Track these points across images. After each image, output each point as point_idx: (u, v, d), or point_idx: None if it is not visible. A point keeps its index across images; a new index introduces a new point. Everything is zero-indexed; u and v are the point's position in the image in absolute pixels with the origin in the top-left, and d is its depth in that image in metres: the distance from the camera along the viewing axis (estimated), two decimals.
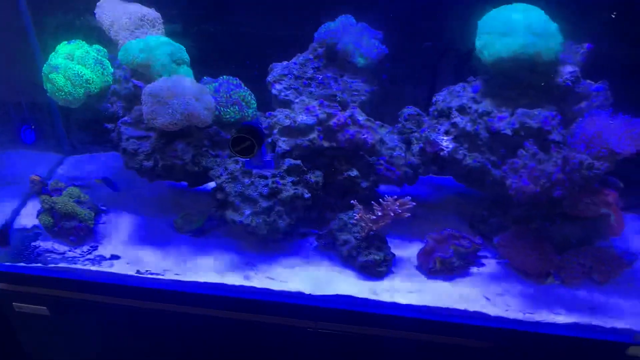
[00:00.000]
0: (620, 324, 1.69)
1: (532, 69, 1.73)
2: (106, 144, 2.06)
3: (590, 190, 1.78)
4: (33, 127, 2.23)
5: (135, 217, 2.12)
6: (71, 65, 1.91)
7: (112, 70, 2.03)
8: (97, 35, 2.05)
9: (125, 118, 1.97)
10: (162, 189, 2.22)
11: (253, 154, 1.52)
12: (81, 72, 1.91)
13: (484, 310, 1.73)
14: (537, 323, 1.71)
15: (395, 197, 1.86)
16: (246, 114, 1.90)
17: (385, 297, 1.78)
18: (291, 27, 2.19)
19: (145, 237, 2.03)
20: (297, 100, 1.94)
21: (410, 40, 2.03)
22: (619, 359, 1.71)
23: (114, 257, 1.96)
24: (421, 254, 1.89)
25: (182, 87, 1.78)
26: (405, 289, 1.81)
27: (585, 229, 1.84)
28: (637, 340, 1.67)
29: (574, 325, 1.70)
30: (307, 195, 1.86)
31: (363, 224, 1.85)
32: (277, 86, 2.01)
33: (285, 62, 2.07)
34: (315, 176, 1.89)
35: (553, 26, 1.71)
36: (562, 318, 1.71)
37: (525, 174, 1.63)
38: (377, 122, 2.04)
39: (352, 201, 1.85)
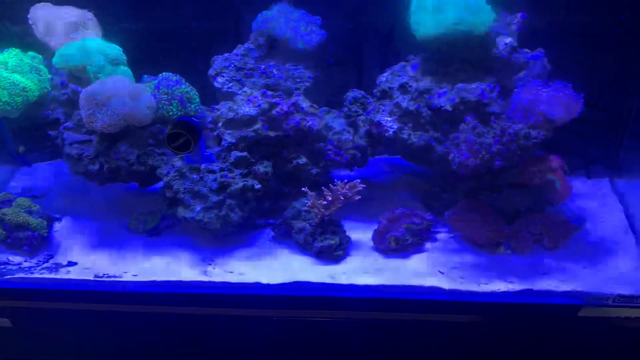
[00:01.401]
0: (571, 287, 1.73)
1: (466, 43, 1.75)
2: (47, 151, 2.04)
3: (534, 158, 1.81)
4: None
5: (90, 222, 2.10)
6: (6, 75, 1.87)
7: (49, 76, 2.00)
8: (31, 41, 2.01)
9: (67, 123, 1.94)
10: (116, 191, 2.19)
11: (190, 149, 1.51)
12: (17, 80, 1.87)
13: (439, 285, 1.76)
14: (492, 293, 1.75)
15: (346, 181, 1.87)
16: (189, 109, 1.88)
17: (343, 280, 1.80)
18: (233, 19, 2.17)
19: (101, 241, 2.02)
20: (239, 92, 1.94)
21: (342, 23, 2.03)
22: (572, 321, 1.76)
23: (71, 263, 1.94)
24: (376, 235, 1.91)
25: (120, 88, 1.76)
26: (362, 271, 1.83)
27: (533, 196, 1.88)
28: (588, 302, 1.72)
29: (527, 292, 1.74)
30: (257, 187, 1.86)
31: (316, 210, 1.86)
32: (219, 79, 2.00)
33: (226, 54, 2.05)
34: (264, 166, 1.89)
35: None
36: (515, 286, 1.75)
37: (466, 148, 1.65)
38: (324, 107, 2.04)
39: (303, 188, 1.87)
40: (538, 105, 1.61)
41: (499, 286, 1.75)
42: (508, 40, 1.80)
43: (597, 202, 2.08)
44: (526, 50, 1.87)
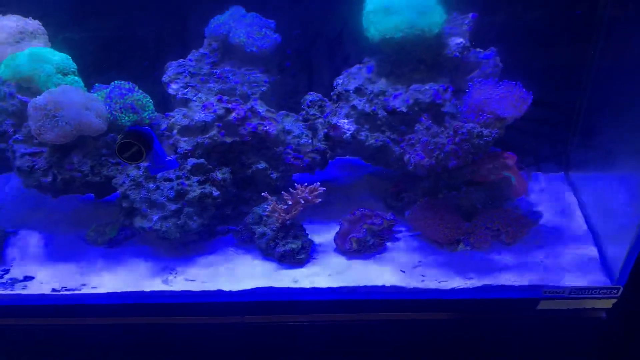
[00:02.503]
0: (529, 281, 1.77)
1: (419, 44, 1.76)
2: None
3: (489, 156, 1.84)
4: None
5: (46, 235, 2.05)
6: None
7: None
8: None
9: (17, 136, 1.88)
10: (72, 203, 2.15)
11: (143, 158, 1.49)
12: None
13: (401, 284, 1.78)
14: (452, 290, 1.78)
15: (306, 184, 1.87)
16: (142, 117, 1.85)
17: (306, 284, 1.80)
18: (188, 24, 2.15)
19: (59, 254, 1.97)
20: (195, 98, 1.92)
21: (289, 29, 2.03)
22: (532, 314, 1.79)
23: (28, 278, 1.89)
24: (338, 237, 1.92)
25: (70, 98, 1.72)
26: (325, 273, 1.84)
27: (490, 193, 1.91)
28: (546, 295, 1.76)
29: (487, 287, 1.77)
30: (216, 193, 1.84)
31: (277, 215, 1.85)
32: (174, 85, 1.97)
33: (180, 60, 2.03)
34: (222, 173, 1.88)
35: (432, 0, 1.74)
36: (474, 282, 1.78)
37: (421, 148, 1.67)
38: (282, 111, 2.04)
39: (263, 193, 1.86)
40: (489, 104, 1.64)
41: (459, 283, 1.77)
42: (460, 40, 1.83)
43: (553, 197, 2.13)
44: (478, 49, 1.90)
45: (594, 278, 1.77)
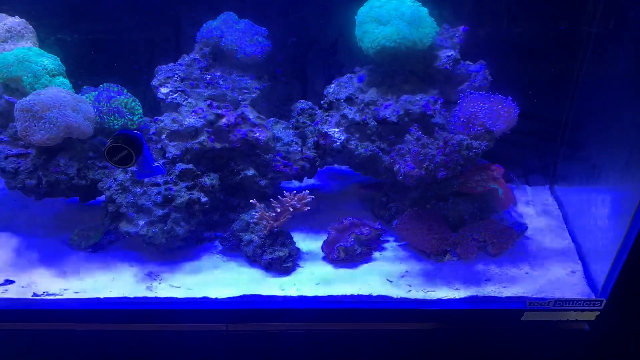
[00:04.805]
0: (514, 292, 1.78)
1: (410, 56, 1.78)
2: None
3: (477, 168, 1.86)
4: None
5: (29, 238, 2.01)
6: None
7: None
8: None
9: (1, 136, 1.85)
10: (56, 206, 2.12)
11: (132, 162, 1.47)
12: None
13: (387, 293, 1.78)
14: (438, 300, 1.78)
15: (295, 192, 1.87)
16: (130, 121, 1.83)
17: (292, 292, 1.79)
18: (179, 28, 2.14)
19: (41, 257, 1.93)
20: (184, 103, 1.90)
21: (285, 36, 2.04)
22: (516, 325, 1.81)
23: (8, 281, 1.85)
24: (325, 245, 1.91)
25: (57, 99, 1.69)
26: (312, 282, 1.83)
27: (477, 204, 1.93)
28: (531, 306, 1.77)
29: (472, 298, 1.78)
30: (204, 199, 1.83)
31: (265, 222, 1.85)
32: (163, 89, 1.96)
33: (170, 64, 2.02)
34: (210, 179, 1.87)
35: (424, 12, 1.76)
36: (460, 292, 1.78)
37: (411, 159, 1.68)
38: (272, 118, 2.03)
39: (251, 200, 1.85)
40: (479, 117, 1.65)
41: (445, 293, 1.78)
42: (450, 52, 1.85)
43: (538, 209, 2.16)
44: (468, 62, 1.92)
45: (578, 290, 1.79)
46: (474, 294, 1.78)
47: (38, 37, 1.96)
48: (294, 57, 2.04)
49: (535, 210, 2.14)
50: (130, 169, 1.79)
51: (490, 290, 1.78)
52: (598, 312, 1.77)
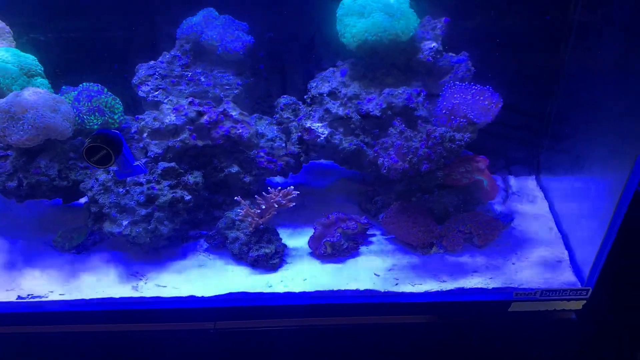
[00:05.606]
0: (501, 284, 1.79)
1: (392, 48, 1.77)
2: None
3: (462, 160, 1.86)
4: None
5: (12, 240, 1.98)
6: None
7: None
8: None
9: None
10: (39, 208, 2.09)
11: (112, 162, 1.45)
12: None
13: (375, 287, 1.77)
14: (426, 293, 1.78)
15: (279, 188, 1.86)
16: (111, 120, 1.81)
17: (280, 288, 1.78)
18: (159, 25, 2.11)
19: (25, 260, 1.91)
20: (165, 101, 1.88)
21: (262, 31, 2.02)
22: (504, 316, 1.81)
23: None
24: (312, 241, 1.91)
25: (36, 100, 1.67)
26: (299, 277, 1.83)
27: (462, 196, 1.93)
28: (518, 297, 1.77)
29: (460, 290, 1.78)
30: (187, 198, 1.81)
31: (250, 219, 1.83)
32: (144, 87, 1.93)
33: (151, 62, 2.00)
34: (194, 177, 1.85)
35: (405, 3, 1.74)
36: (448, 285, 1.78)
37: (394, 152, 1.67)
38: (255, 114, 2.02)
39: (236, 198, 1.84)
40: (462, 108, 1.65)
41: (432, 286, 1.78)
42: (433, 44, 1.84)
43: (524, 199, 2.16)
44: (451, 54, 1.91)
45: (564, 280, 1.79)
46: (461, 285, 1.78)
47: (13, 36, 1.93)
48: (271, 53, 2.02)
49: (521, 200, 2.14)
50: (110, 168, 1.77)
51: (477, 281, 1.79)
52: (584, 301, 1.78)
